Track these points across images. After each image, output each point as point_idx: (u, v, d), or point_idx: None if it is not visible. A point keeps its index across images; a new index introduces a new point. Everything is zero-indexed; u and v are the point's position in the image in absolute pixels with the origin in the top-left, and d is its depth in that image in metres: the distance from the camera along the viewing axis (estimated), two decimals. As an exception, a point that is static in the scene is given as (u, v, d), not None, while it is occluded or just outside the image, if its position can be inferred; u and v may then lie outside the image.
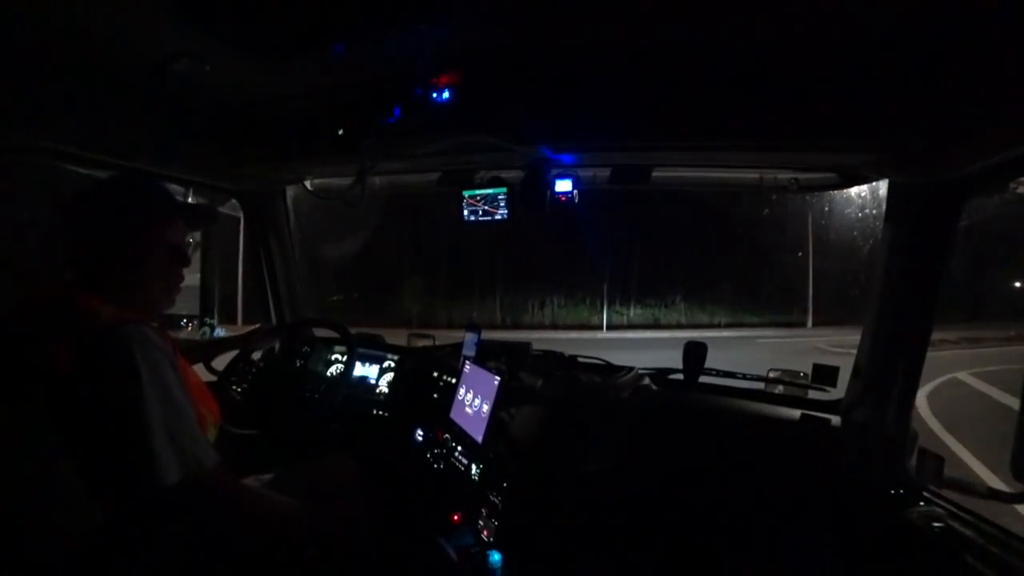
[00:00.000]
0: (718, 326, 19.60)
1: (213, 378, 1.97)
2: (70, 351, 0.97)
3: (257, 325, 2.21)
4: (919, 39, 1.09)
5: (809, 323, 19.07)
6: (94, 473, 0.97)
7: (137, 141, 1.69)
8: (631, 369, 1.98)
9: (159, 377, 0.99)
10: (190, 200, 2.13)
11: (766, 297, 20.34)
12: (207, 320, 2.78)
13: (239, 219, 2.58)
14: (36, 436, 0.95)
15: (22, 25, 1.19)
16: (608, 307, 19.93)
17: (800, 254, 19.36)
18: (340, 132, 1.67)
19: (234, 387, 2.05)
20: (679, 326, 19.36)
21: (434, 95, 1.48)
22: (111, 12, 1.14)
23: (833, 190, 1.68)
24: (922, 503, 1.44)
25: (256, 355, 2.14)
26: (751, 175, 1.81)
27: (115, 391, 0.96)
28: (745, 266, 20.27)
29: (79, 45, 1.28)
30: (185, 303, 2.52)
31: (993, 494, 1.31)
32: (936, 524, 1.36)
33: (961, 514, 1.37)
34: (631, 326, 19.79)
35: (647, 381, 1.96)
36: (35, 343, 1.00)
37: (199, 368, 1.68)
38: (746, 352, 11.91)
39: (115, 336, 0.99)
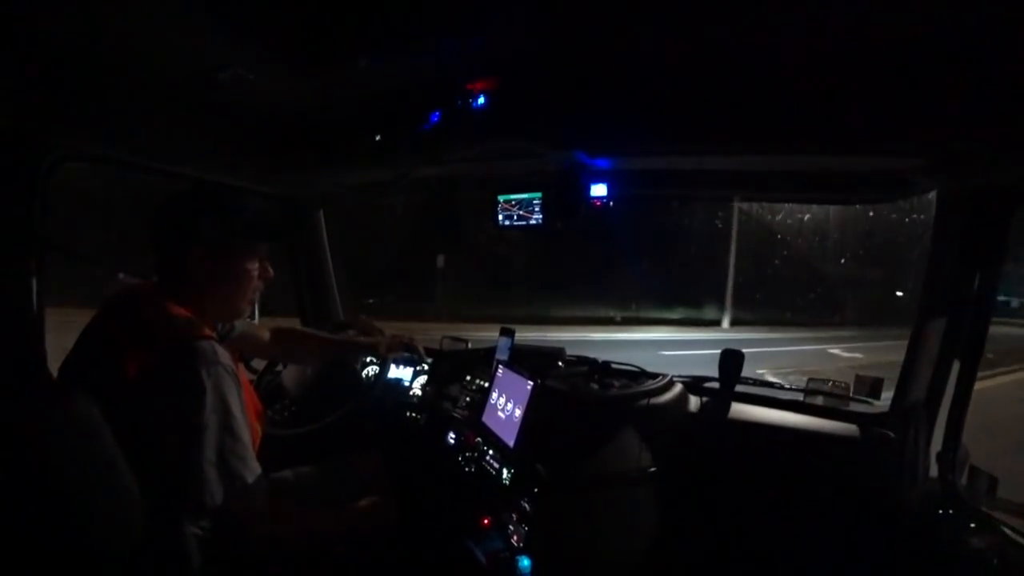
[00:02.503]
0: (614, 322, 15.76)
1: (252, 377, 2.02)
2: (142, 355, 1.01)
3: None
4: (971, 34, 1.04)
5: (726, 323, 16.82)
6: (143, 480, 1.00)
7: (186, 149, 1.76)
8: (665, 376, 1.95)
9: (222, 398, 1.03)
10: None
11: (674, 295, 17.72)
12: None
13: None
14: (103, 431, 0.99)
15: (78, 37, 1.25)
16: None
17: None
18: (377, 138, 1.70)
19: (272, 385, 2.10)
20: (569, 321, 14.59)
21: (470, 101, 1.49)
22: (162, 25, 1.19)
23: (880, 202, 1.61)
24: (974, 524, 1.37)
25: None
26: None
27: (177, 407, 1.00)
28: (656, 263, 18.11)
29: (131, 57, 1.33)
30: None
31: None
32: (988, 550, 1.29)
33: (1018, 539, 1.29)
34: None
35: (681, 388, 1.92)
36: (114, 342, 1.05)
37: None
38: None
39: (187, 351, 1.03)
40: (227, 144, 1.84)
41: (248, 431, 1.09)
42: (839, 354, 12.52)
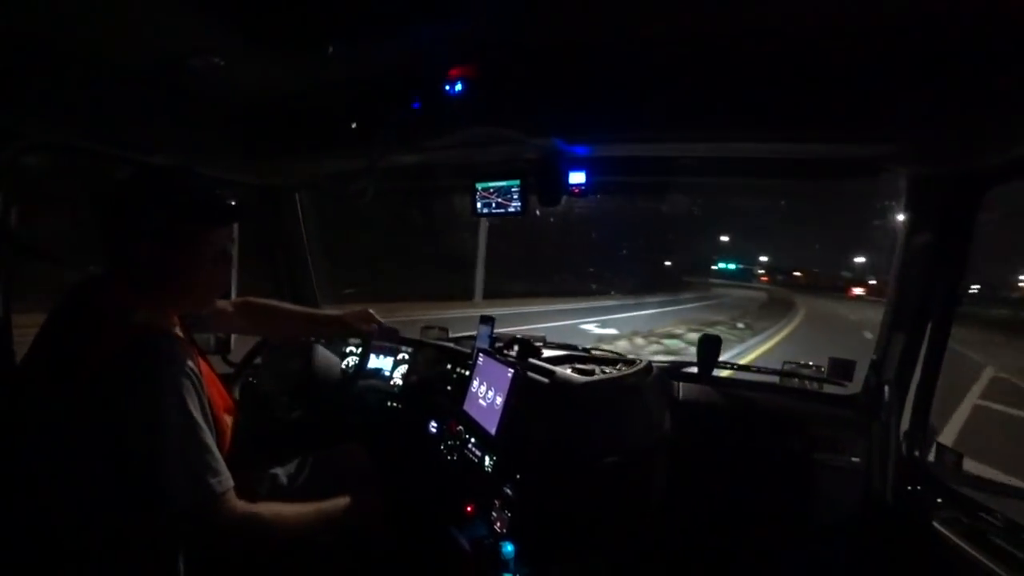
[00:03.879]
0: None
1: (230, 370, 1.99)
2: (98, 353, 0.98)
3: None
4: (941, 24, 1.06)
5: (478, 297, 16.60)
6: (107, 477, 0.98)
7: (156, 137, 1.71)
8: (645, 361, 1.98)
9: (180, 397, 1.00)
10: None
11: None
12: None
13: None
14: (66, 429, 0.97)
15: (41, 22, 1.20)
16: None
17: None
18: (353, 126, 1.68)
19: (251, 379, 2.07)
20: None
21: (447, 88, 1.48)
22: (126, 8, 1.15)
23: (857, 180, 1.63)
24: (940, 500, 1.42)
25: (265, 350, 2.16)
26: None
27: (135, 406, 0.96)
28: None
29: (97, 41, 1.29)
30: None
31: (1012, 491, 1.29)
32: (954, 524, 1.34)
33: (982, 514, 1.35)
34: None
35: (660, 373, 1.95)
36: (70, 338, 1.01)
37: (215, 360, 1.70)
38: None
39: (143, 349, 0.99)
40: (199, 132, 1.80)
41: (212, 429, 1.06)
42: (591, 331, 12.67)
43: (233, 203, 1.19)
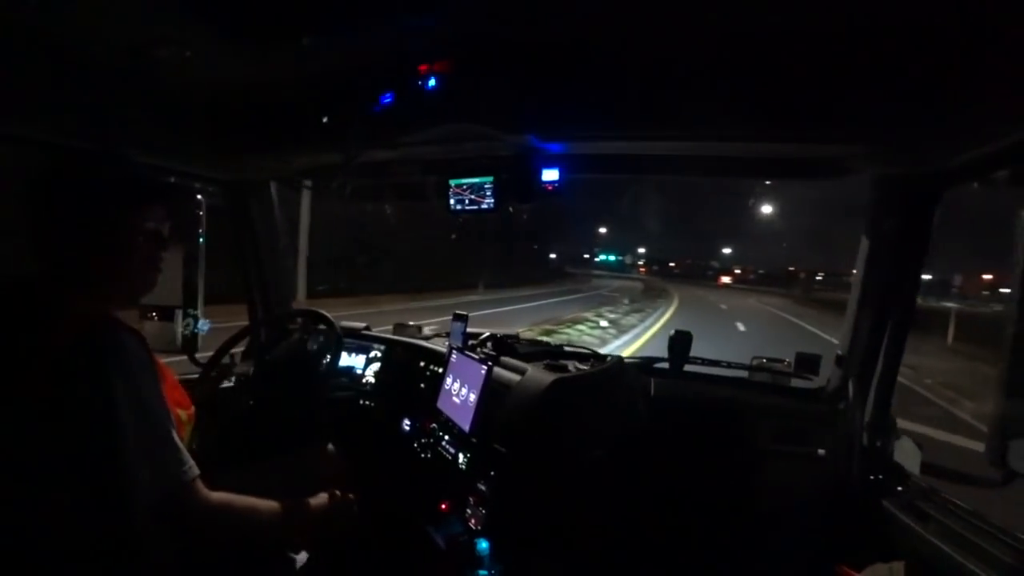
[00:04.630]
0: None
1: (195, 374, 1.94)
2: (40, 350, 0.93)
3: None
4: (902, 30, 1.10)
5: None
6: (64, 488, 0.93)
7: (116, 129, 1.64)
8: (617, 357, 2.00)
9: (134, 389, 0.95)
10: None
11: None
12: (190, 311, 2.72)
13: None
14: (16, 433, 0.93)
15: None
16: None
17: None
18: (325, 120, 1.65)
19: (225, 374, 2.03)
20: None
21: (421, 83, 1.47)
22: None
23: (824, 179, 1.68)
24: (901, 487, 1.47)
25: (239, 348, 2.11)
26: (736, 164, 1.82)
27: (85, 407, 0.92)
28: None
29: (51, 27, 1.24)
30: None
31: (971, 479, 1.35)
32: (910, 508, 1.39)
33: (934, 498, 1.41)
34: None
35: (633, 368, 1.98)
36: (4, 341, 0.96)
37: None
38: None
39: (87, 339, 0.94)
40: (164, 126, 1.74)
41: (172, 420, 1.03)
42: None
43: (164, 182, 1.13)
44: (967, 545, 1.21)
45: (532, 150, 1.69)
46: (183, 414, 1.15)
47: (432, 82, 1.47)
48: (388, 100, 1.51)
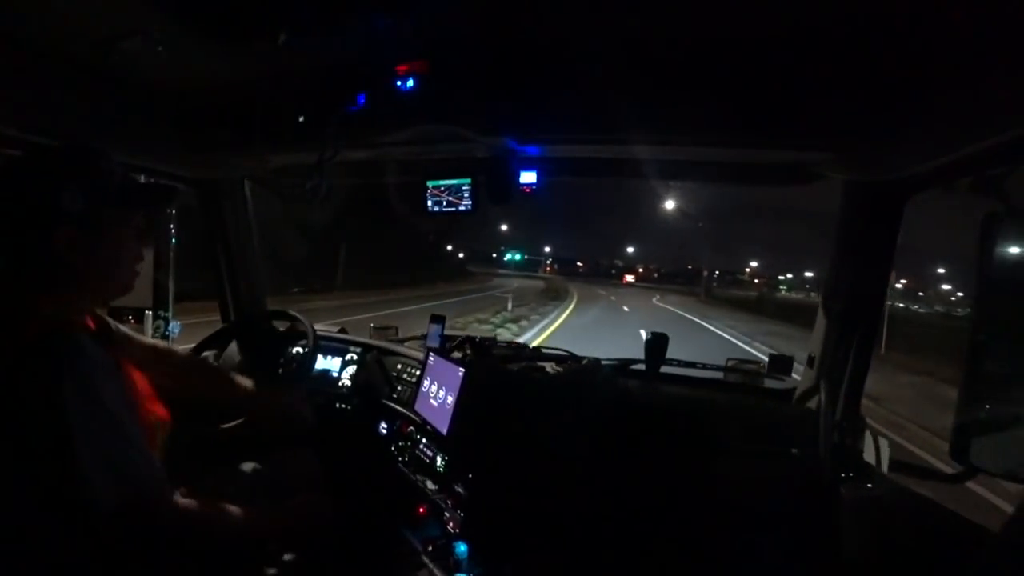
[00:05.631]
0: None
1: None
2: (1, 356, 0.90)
3: None
4: (867, 41, 1.13)
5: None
6: (29, 492, 0.90)
7: (83, 125, 1.59)
8: (594, 359, 2.01)
9: (91, 393, 0.92)
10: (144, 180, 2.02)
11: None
12: (161, 314, 2.66)
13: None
14: None
15: None
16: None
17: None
18: (300, 119, 1.63)
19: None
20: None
21: (399, 83, 1.46)
22: None
23: (795, 185, 1.72)
24: (871, 484, 1.51)
25: (212, 352, 2.07)
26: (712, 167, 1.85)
27: (32, 410, 0.88)
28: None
29: (18, 19, 1.20)
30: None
31: (936, 475, 1.39)
32: (876, 502, 1.43)
33: (899, 494, 1.44)
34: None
35: (609, 370, 1.99)
36: None
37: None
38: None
39: (47, 344, 0.91)
40: (132, 122, 1.70)
41: (137, 426, 0.99)
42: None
43: (162, 183, 1.11)
44: (932, 536, 1.25)
45: (509, 152, 1.69)
46: (157, 421, 1.12)
47: (410, 83, 1.46)
48: (364, 100, 1.50)
